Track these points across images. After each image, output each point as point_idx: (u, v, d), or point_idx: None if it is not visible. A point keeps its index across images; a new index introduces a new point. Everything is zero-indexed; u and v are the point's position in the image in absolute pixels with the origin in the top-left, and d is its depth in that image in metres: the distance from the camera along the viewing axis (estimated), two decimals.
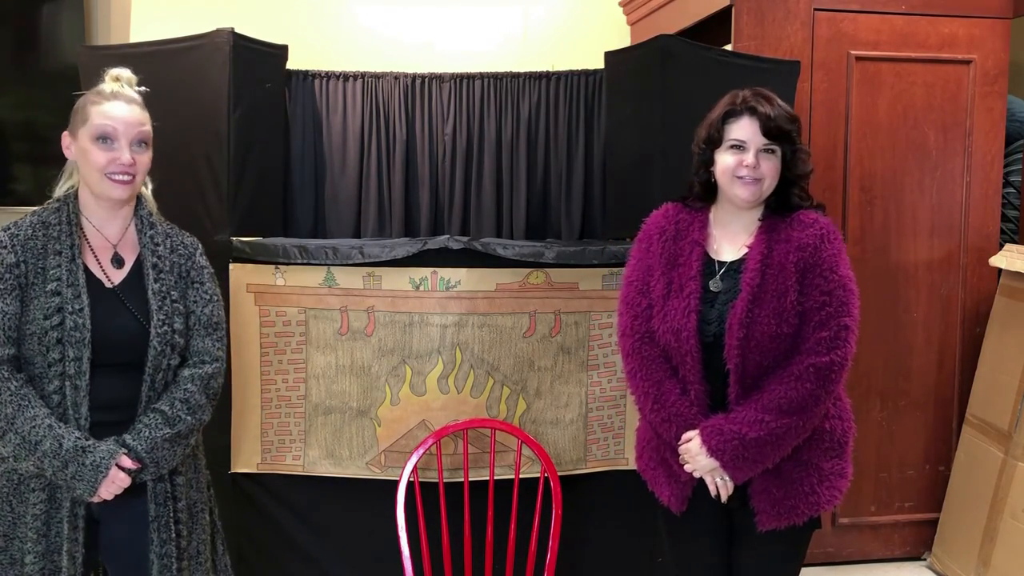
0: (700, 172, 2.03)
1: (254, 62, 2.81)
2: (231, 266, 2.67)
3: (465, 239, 2.71)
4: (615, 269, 2.74)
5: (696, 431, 1.92)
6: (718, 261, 1.98)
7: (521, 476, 2.52)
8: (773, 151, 1.93)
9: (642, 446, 2.12)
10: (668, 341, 1.95)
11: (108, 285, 1.86)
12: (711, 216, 2.04)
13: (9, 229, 1.83)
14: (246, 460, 2.73)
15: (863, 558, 3.42)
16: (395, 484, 2.43)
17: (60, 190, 1.91)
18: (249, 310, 2.68)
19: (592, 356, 2.77)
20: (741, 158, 1.93)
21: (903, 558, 3.46)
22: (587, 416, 2.78)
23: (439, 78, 3.24)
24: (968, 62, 3.34)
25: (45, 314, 1.76)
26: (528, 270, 2.70)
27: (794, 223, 1.95)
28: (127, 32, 3.72)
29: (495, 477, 2.50)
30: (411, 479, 2.41)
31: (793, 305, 1.88)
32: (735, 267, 1.95)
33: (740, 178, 1.93)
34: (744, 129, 1.93)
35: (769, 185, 1.95)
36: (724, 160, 1.95)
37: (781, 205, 1.98)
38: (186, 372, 1.90)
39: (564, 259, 2.71)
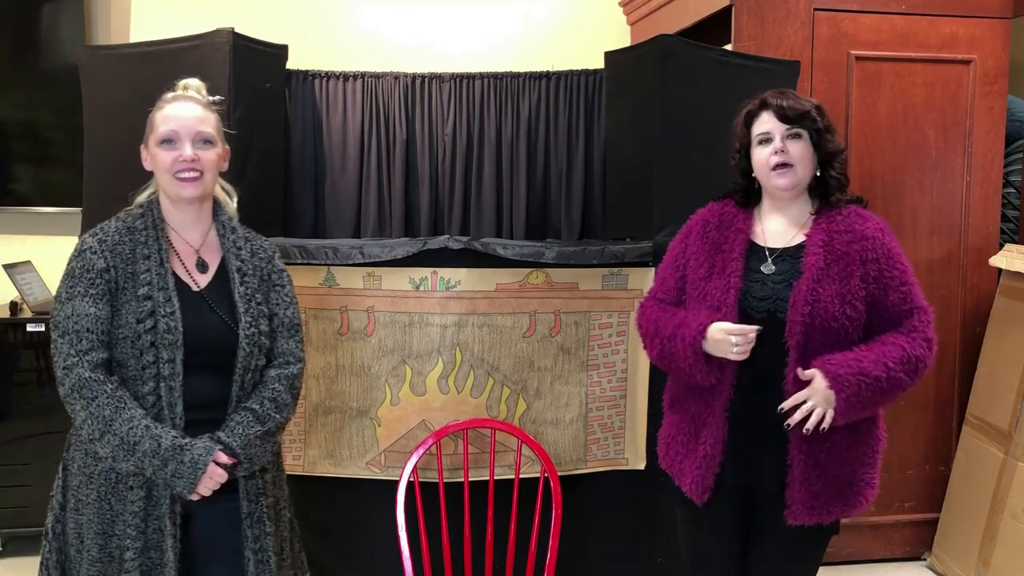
0: (741, 179, 2.09)
1: (254, 62, 2.81)
2: None
3: (465, 239, 2.70)
4: (615, 269, 2.74)
5: (814, 369, 1.88)
6: (768, 248, 2.02)
7: (521, 476, 2.52)
8: (799, 135, 1.98)
9: (667, 442, 2.12)
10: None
11: (195, 289, 1.89)
12: (756, 213, 2.09)
13: (97, 235, 1.86)
14: None
15: (863, 558, 3.42)
16: (395, 484, 2.43)
17: (142, 197, 1.95)
18: None
19: (592, 356, 2.77)
20: (770, 148, 1.98)
21: (903, 558, 3.46)
22: (587, 416, 2.78)
23: (439, 78, 3.24)
24: (968, 62, 3.34)
25: (138, 318, 1.80)
26: (528, 270, 2.70)
27: (852, 216, 2.01)
28: (127, 32, 3.72)
29: (495, 477, 2.50)
30: (411, 479, 2.41)
31: (857, 290, 1.92)
32: (791, 252, 1.99)
33: (775, 169, 1.98)
34: (765, 122, 2.00)
35: (804, 171, 1.99)
36: (757, 156, 2.02)
37: (823, 189, 2.02)
38: (273, 372, 1.94)
39: (564, 259, 2.71)
